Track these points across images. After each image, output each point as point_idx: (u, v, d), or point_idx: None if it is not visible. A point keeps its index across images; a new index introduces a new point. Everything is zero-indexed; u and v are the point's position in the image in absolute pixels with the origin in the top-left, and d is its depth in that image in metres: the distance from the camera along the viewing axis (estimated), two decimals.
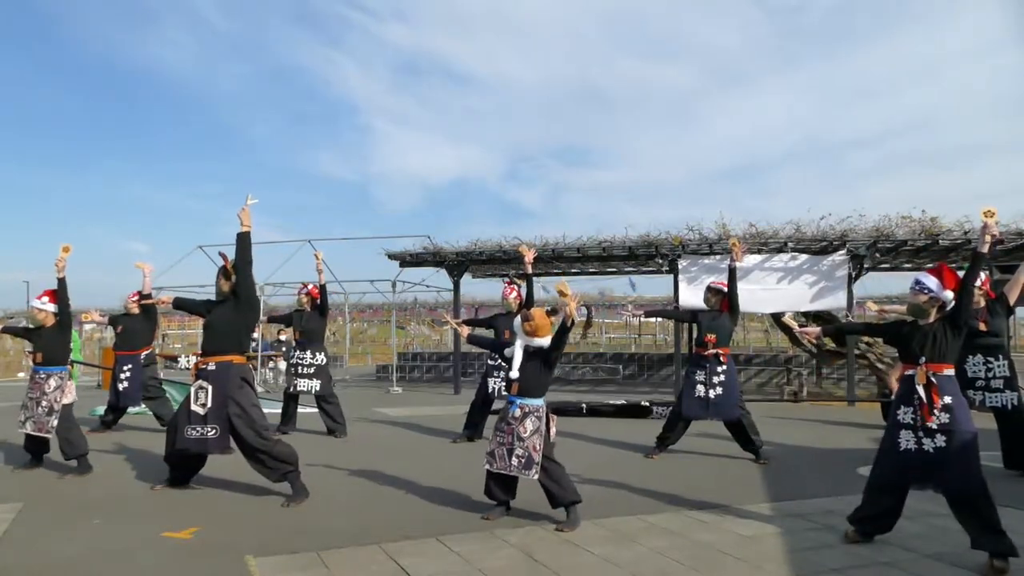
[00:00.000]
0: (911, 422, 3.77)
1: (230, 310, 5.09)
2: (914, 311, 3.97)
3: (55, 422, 5.78)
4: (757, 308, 12.97)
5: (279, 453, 4.97)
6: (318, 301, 8.12)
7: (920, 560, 3.70)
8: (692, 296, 12.36)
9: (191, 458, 5.22)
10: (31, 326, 6.13)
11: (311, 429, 8.27)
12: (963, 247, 11.59)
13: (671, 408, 7.07)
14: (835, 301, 11.66)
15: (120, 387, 7.98)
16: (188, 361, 14.99)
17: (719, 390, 6.41)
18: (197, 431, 4.92)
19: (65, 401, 5.87)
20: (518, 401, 4.43)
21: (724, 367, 6.48)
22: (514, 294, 7.62)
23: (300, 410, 8.46)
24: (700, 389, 6.44)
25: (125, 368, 7.97)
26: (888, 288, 24.09)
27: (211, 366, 4.99)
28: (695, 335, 6.82)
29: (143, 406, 8.41)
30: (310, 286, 8.22)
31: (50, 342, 5.97)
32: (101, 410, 8.65)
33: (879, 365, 12.87)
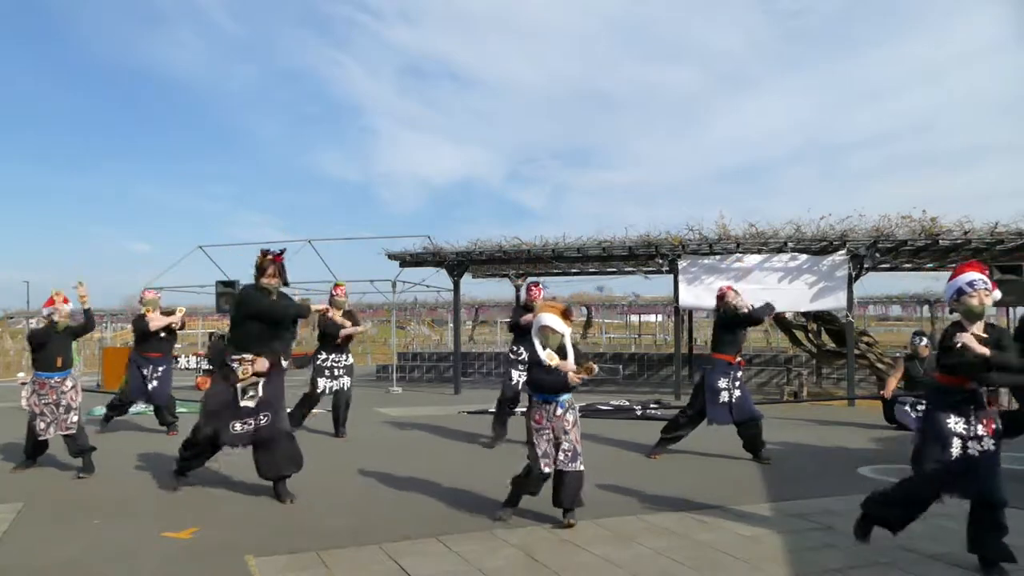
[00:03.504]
0: (963, 432, 3.62)
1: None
2: (978, 314, 3.64)
3: (75, 418, 5.93)
4: None
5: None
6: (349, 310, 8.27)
7: (920, 560, 3.70)
8: (692, 296, 12.38)
9: (210, 446, 5.20)
10: (58, 331, 5.95)
11: (311, 429, 8.26)
12: (963, 247, 11.59)
13: (681, 411, 6.95)
14: (835, 301, 11.67)
15: (150, 386, 8.11)
16: (188, 362, 15.00)
17: (738, 392, 6.53)
18: (248, 424, 4.99)
19: (79, 400, 6.06)
20: (560, 398, 4.40)
21: (741, 371, 6.68)
22: (541, 296, 7.29)
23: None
24: (725, 396, 6.50)
25: (159, 369, 8.19)
26: (888, 288, 24.10)
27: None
28: (717, 341, 6.71)
29: (144, 406, 8.51)
30: (344, 287, 8.19)
31: (67, 346, 6.09)
32: (99, 410, 8.67)
33: (879, 365, 12.87)
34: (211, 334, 5.47)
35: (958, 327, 3.66)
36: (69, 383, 5.99)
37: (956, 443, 3.62)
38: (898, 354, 12.98)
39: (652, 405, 10.06)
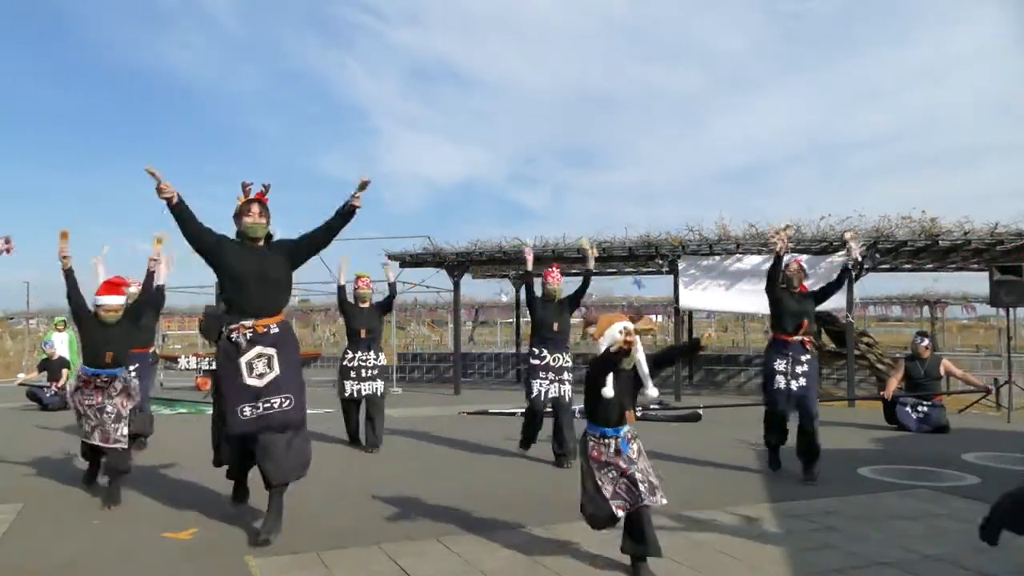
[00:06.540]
0: None
1: (282, 260, 4.29)
2: None
3: (125, 430, 5.15)
4: (756, 309, 12.96)
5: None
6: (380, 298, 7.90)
7: (920, 560, 3.70)
8: (692, 297, 12.38)
9: (246, 456, 4.34)
10: (105, 323, 5.24)
11: (312, 430, 8.23)
12: (963, 247, 11.60)
13: (765, 411, 6.06)
14: (835, 302, 11.62)
15: None
16: (188, 362, 14.98)
17: (802, 381, 5.71)
18: (258, 408, 4.04)
19: (130, 406, 5.27)
20: (620, 431, 3.55)
21: (809, 356, 5.81)
22: (560, 281, 6.52)
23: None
24: (781, 380, 5.74)
25: (131, 368, 7.55)
26: (888, 288, 24.08)
27: (274, 328, 4.17)
28: (776, 317, 5.93)
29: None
30: (368, 278, 7.68)
31: (122, 340, 5.30)
32: None
33: (879, 365, 12.88)
34: (206, 308, 4.61)
35: None
36: (118, 385, 5.16)
37: None
38: (898, 355, 12.99)
39: (653, 405, 10.04)
